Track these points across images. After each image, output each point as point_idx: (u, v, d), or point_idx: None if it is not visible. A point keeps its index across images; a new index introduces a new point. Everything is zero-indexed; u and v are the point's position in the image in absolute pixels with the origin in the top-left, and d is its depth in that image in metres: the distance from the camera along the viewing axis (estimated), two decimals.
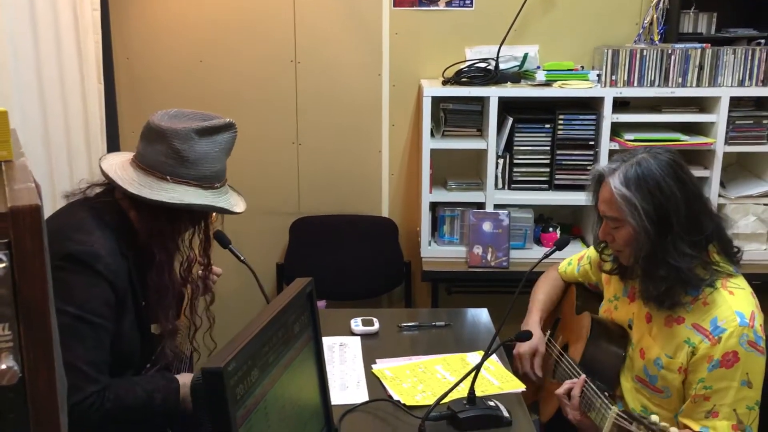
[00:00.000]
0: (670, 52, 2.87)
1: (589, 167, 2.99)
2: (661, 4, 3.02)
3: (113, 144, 2.92)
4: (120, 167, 1.66)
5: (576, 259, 2.17)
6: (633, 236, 1.68)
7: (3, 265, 0.60)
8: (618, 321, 1.91)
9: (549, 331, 2.16)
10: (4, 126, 0.77)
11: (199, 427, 1.81)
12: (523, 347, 2.06)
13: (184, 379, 1.71)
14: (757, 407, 1.63)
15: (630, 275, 1.85)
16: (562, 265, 2.22)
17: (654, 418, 1.45)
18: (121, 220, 1.66)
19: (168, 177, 1.61)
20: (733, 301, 1.65)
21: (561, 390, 1.78)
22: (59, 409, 0.65)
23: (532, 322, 2.12)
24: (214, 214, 1.81)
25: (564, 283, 2.21)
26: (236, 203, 1.75)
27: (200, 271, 1.83)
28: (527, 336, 1.92)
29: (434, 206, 3.09)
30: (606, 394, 1.67)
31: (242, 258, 1.97)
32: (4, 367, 0.61)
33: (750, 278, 1.78)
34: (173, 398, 1.66)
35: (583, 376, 1.75)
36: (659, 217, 1.64)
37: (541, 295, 2.19)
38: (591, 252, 2.09)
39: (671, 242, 1.64)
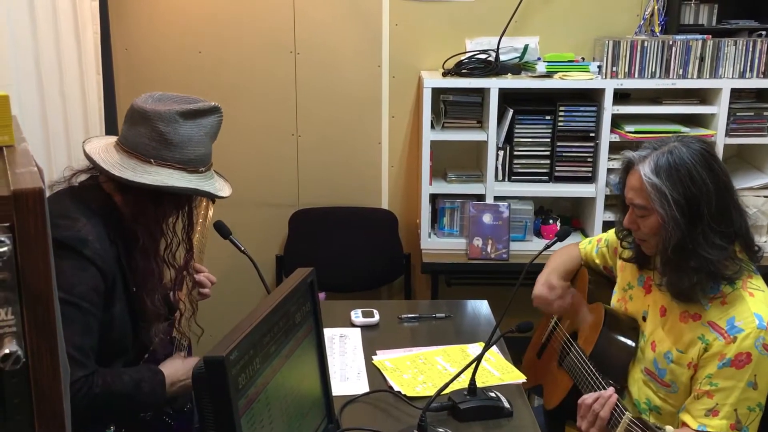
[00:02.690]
0: (671, 43, 2.86)
1: (589, 159, 2.99)
2: None
3: (112, 134, 2.90)
4: (103, 150, 1.64)
5: (596, 240, 2.14)
6: (660, 225, 1.65)
7: (6, 248, 0.60)
8: (632, 312, 1.89)
9: (555, 316, 2.15)
10: (5, 111, 0.77)
11: (192, 416, 1.82)
12: (538, 287, 2.03)
13: (168, 369, 1.70)
14: (759, 409, 1.61)
15: (648, 265, 1.83)
16: (583, 242, 2.18)
17: (669, 429, 1.43)
18: (106, 206, 1.64)
19: (152, 160, 1.59)
20: (752, 303, 1.62)
21: (588, 400, 1.66)
22: (62, 393, 0.65)
23: (549, 270, 2.07)
24: (201, 199, 1.80)
25: (581, 259, 2.17)
26: (221, 188, 1.72)
27: (185, 268, 1.82)
28: (529, 327, 1.91)
29: (434, 198, 3.09)
30: (622, 403, 1.63)
31: (242, 248, 1.96)
32: (7, 351, 0.60)
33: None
34: (160, 390, 1.66)
35: (615, 395, 1.64)
36: (689, 207, 1.61)
37: (559, 259, 2.14)
38: (609, 235, 2.06)
39: (701, 233, 1.61)
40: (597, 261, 2.11)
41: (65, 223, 1.55)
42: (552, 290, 2.02)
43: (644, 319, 1.84)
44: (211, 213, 2.02)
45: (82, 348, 1.54)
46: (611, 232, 2.04)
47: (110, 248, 1.62)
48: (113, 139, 1.68)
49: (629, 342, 1.83)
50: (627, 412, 1.55)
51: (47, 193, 1.71)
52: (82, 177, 1.69)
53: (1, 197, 0.60)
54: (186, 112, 1.60)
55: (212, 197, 1.70)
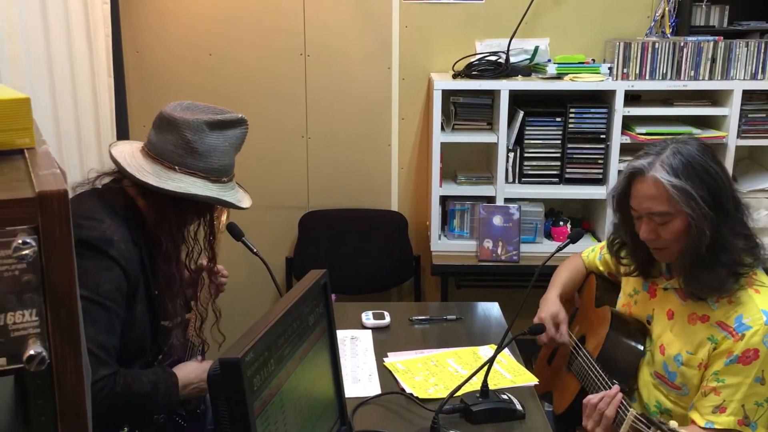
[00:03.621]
0: (682, 45, 2.85)
1: (600, 161, 2.98)
2: None
3: (123, 137, 2.92)
4: (129, 154, 1.66)
5: (599, 247, 2.15)
6: (686, 228, 1.61)
7: (31, 250, 0.60)
8: (637, 316, 1.89)
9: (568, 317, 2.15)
10: (26, 113, 0.77)
11: (205, 417, 1.83)
12: (542, 314, 2.02)
13: (180, 372, 1.71)
14: (767, 404, 1.60)
15: (651, 274, 1.82)
16: (586, 251, 2.19)
17: (673, 424, 1.42)
18: (130, 209, 1.66)
19: (176, 167, 1.61)
20: (759, 300, 1.62)
21: (594, 400, 1.66)
22: (85, 395, 0.65)
23: (551, 296, 2.07)
24: (221, 208, 1.81)
25: (586, 270, 2.19)
26: (242, 199, 1.75)
27: (208, 275, 1.84)
28: (540, 329, 1.91)
29: (444, 200, 3.09)
30: (627, 400, 1.63)
31: (255, 250, 1.97)
32: (32, 352, 0.60)
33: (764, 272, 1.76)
34: (174, 391, 1.67)
35: (620, 394, 1.63)
36: (715, 201, 1.59)
37: (563, 275, 2.15)
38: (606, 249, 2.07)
39: (730, 225, 1.60)
40: (601, 268, 2.11)
41: (90, 224, 1.57)
42: (554, 317, 2.01)
43: (648, 322, 1.83)
44: (224, 217, 2.03)
45: (105, 347, 1.55)
46: (607, 242, 2.03)
47: (134, 250, 1.64)
48: (139, 144, 1.70)
49: (636, 343, 1.82)
50: (631, 409, 1.55)
51: (70, 195, 1.73)
52: (106, 179, 1.71)
53: (26, 199, 0.61)
54: (213, 123, 1.62)
55: (233, 207, 1.72)
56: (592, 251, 2.17)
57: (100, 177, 1.72)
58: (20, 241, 0.60)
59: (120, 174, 1.67)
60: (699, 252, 1.61)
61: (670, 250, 1.69)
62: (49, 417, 0.64)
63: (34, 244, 0.60)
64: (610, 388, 1.67)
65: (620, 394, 1.62)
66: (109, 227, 1.58)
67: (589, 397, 1.67)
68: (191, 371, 1.72)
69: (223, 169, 1.67)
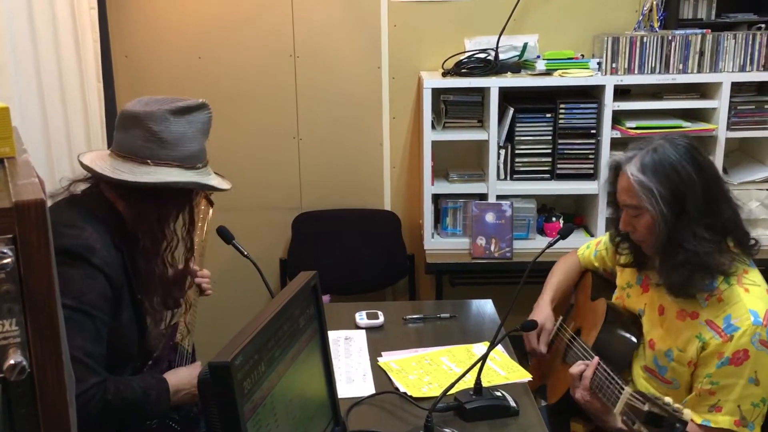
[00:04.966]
0: (670, 38, 2.86)
1: (591, 156, 2.98)
2: None
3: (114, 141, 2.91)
4: (99, 159, 1.65)
5: (594, 243, 2.17)
6: (652, 223, 1.67)
7: (9, 260, 0.60)
8: (629, 309, 1.91)
9: (561, 317, 2.16)
10: (5, 122, 0.77)
11: (197, 421, 1.83)
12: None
13: (172, 378, 1.71)
14: (763, 405, 1.62)
15: (646, 267, 1.84)
16: (581, 248, 2.21)
17: (668, 399, 1.44)
18: (110, 213, 1.66)
19: (149, 160, 1.61)
20: (747, 299, 1.63)
21: (575, 369, 1.76)
22: (68, 403, 0.65)
23: (543, 302, 2.12)
24: (200, 200, 1.81)
25: (581, 266, 2.20)
26: (221, 183, 1.74)
27: (192, 277, 1.84)
28: (533, 325, 1.92)
29: (436, 198, 3.09)
30: (618, 376, 1.66)
31: (245, 253, 1.97)
32: (12, 362, 0.60)
33: (755, 264, 1.77)
34: (165, 397, 1.67)
35: (597, 358, 1.74)
36: (675, 200, 1.63)
37: (557, 276, 2.19)
38: (607, 237, 2.07)
39: (687, 226, 1.62)
40: (596, 264, 2.12)
41: (72, 233, 1.56)
42: (539, 328, 2.06)
43: (639, 316, 1.84)
44: (210, 214, 2.03)
45: (93, 355, 1.54)
46: (609, 234, 2.04)
47: (116, 256, 1.63)
48: (105, 150, 1.70)
49: (630, 335, 1.84)
50: (627, 387, 1.56)
51: (48, 204, 1.73)
52: (81, 186, 1.70)
53: (3, 209, 0.61)
54: (175, 110, 1.62)
55: (214, 190, 1.72)
56: (587, 248, 2.18)
57: (73, 184, 1.70)
58: None
59: (94, 179, 1.66)
60: (657, 248, 1.69)
61: (647, 242, 1.75)
62: (33, 425, 0.64)
63: (11, 254, 0.60)
64: (610, 377, 1.68)
65: (597, 359, 1.71)
66: (91, 235, 1.58)
67: (570, 369, 1.76)
68: (183, 377, 1.72)
69: (195, 156, 1.66)
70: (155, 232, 1.68)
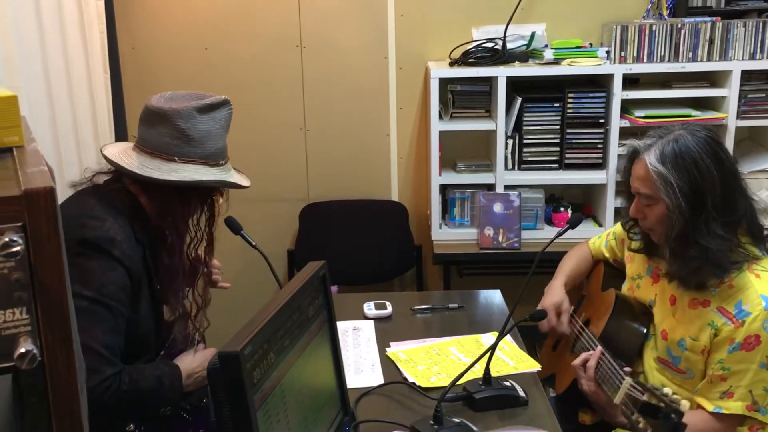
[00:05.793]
0: (679, 26, 2.83)
1: (599, 145, 2.97)
2: None
3: (121, 134, 2.91)
4: (123, 154, 1.66)
5: (605, 234, 2.16)
6: (666, 214, 1.65)
7: (19, 248, 0.60)
8: (639, 300, 1.90)
9: (572, 307, 2.15)
10: (14, 111, 0.77)
11: (208, 410, 1.84)
12: (545, 302, 2.04)
13: (182, 363, 1.72)
14: None
15: (656, 254, 1.83)
16: (593, 239, 2.21)
17: (667, 390, 1.43)
18: (132, 206, 1.67)
19: (175, 158, 1.62)
20: (759, 285, 1.62)
21: (578, 361, 1.76)
22: (79, 392, 0.65)
23: (556, 284, 2.10)
24: (220, 192, 1.81)
25: (593, 257, 2.19)
26: (242, 179, 1.77)
27: (204, 266, 1.84)
28: (542, 315, 1.91)
29: (444, 189, 3.08)
30: (621, 364, 1.65)
31: (254, 243, 1.97)
32: (23, 350, 0.60)
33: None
34: (178, 384, 1.68)
35: (600, 347, 1.73)
36: (694, 196, 1.60)
37: (569, 263, 2.17)
38: (617, 228, 2.06)
39: (704, 222, 1.60)
40: (607, 255, 2.12)
41: (93, 224, 1.57)
42: (557, 306, 2.04)
43: (650, 307, 1.84)
44: (225, 207, 2.03)
45: (111, 346, 1.55)
46: (619, 225, 2.03)
47: (137, 248, 1.64)
48: (130, 144, 1.71)
49: (639, 325, 1.83)
50: (627, 378, 1.56)
51: (70, 193, 1.73)
52: (104, 177, 1.71)
53: (12, 197, 0.60)
54: (202, 107, 1.63)
55: (239, 187, 1.73)
56: (599, 238, 2.18)
57: (96, 175, 1.71)
58: (7, 239, 0.60)
59: (117, 173, 1.67)
60: (669, 240, 1.66)
61: (656, 232, 1.74)
62: (43, 414, 0.64)
63: (21, 242, 0.60)
64: (610, 363, 1.68)
65: (600, 348, 1.71)
66: (112, 226, 1.59)
67: (573, 362, 1.76)
68: (192, 361, 1.73)
69: (219, 153, 1.68)
70: (181, 229, 1.69)
